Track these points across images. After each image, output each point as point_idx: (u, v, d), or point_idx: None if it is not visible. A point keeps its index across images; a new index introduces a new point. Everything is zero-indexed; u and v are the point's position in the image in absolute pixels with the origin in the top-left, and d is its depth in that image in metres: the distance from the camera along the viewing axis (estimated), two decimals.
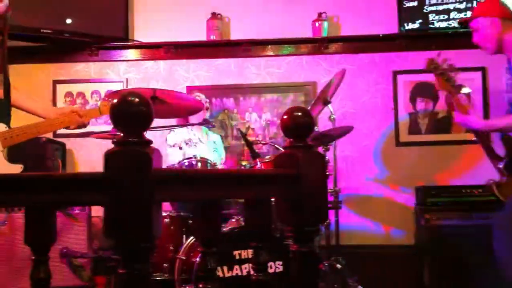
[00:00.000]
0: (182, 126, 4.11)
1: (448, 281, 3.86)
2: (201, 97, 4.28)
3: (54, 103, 4.80)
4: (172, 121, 4.21)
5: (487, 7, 3.11)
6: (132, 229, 1.05)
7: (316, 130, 4.19)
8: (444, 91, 3.20)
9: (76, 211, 3.74)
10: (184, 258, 3.20)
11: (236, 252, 3.11)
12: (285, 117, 1.43)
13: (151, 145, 1.13)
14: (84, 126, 2.95)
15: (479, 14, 3.09)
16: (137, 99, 1.11)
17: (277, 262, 3.15)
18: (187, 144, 4.10)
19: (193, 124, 4.23)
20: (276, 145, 3.95)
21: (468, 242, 3.83)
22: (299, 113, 1.42)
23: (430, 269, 3.96)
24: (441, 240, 3.94)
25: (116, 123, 1.12)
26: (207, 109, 4.34)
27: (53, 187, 1.12)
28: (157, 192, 1.08)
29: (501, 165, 3.03)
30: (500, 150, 3.09)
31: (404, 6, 4.65)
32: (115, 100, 1.12)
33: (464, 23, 3.29)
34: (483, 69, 4.56)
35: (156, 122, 3.46)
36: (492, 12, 3.03)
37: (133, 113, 1.10)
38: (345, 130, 3.89)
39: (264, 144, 4.48)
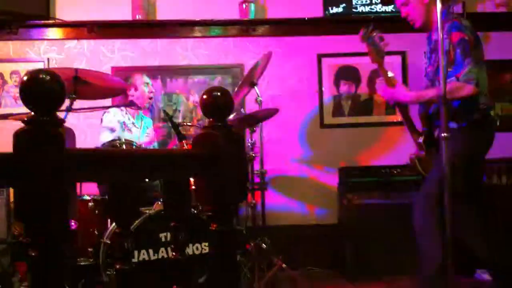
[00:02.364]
0: (108, 107, 4.02)
1: (368, 258, 4.01)
2: (149, 84, 4.24)
3: None
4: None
5: None
6: (42, 210, 1.03)
7: (243, 112, 4.22)
8: (374, 62, 3.26)
9: None
10: (109, 242, 3.15)
11: (162, 235, 3.10)
12: (204, 97, 1.43)
13: (64, 124, 1.10)
14: None
15: None
16: (48, 77, 1.08)
17: (203, 243, 3.17)
18: (121, 127, 4.03)
19: (118, 106, 4.15)
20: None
21: (388, 221, 3.99)
22: (218, 93, 1.43)
23: (352, 247, 4.10)
24: (362, 219, 4.09)
25: (26, 101, 1.09)
26: (150, 98, 4.26)
27: None
28: (70, 172, 1.06)
29: (420, 140, 3.16)
30: (418, 125, 3.23)
31: None
32: (25, 78, 1.09)
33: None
34: (403, 53, 4.74)
35: (81, 103, 3.41)
36: None
37: (43, 92, 1.06)
38: (271, 112, 3.94)
39: (190, 126, 4.46)
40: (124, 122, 4.08)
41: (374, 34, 3.21)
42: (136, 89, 4.17)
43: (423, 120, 3.22)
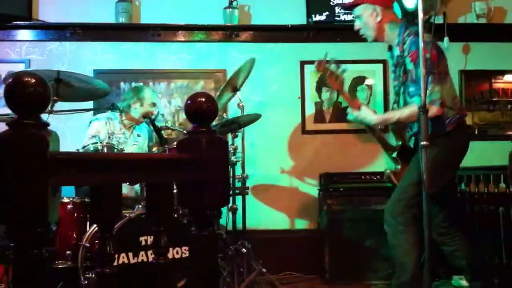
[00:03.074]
0: (89, 110, 4.00)
1: (347, 263, 4.05)
2: (155, 105, 4.10)
3: None
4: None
5: None
6: (26, 213, 1.03)
7: (225, 117, 4.23)
8: (334, 89, 3.28)
9: None
10: (88, 245, 3.14)
11: (142, 238, 3.09)
12: (188, 102, 1.45)
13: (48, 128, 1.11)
14: None
15: (362, 1, 3.13)
16: (33, 80, 1.08)
17: (183, 247, 3.17)
18: (109, 137, 3.94)
19: (99, 109, 4.13)
20: (185, 131, 3.94)
21: (366, 226, 4.03)
22: (203, 99, 1.44)
23: (331, 252, 4.13)
24: (342, 224, 4.13)
25: (10, 104, 1.09)
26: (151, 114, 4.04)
27: None
28: (53, 176, 1.06)
29: (394, 155, 3.20)
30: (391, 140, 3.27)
31: None
32: (9, 80, 1.09)
33: (348, 8, 3.38)
34: (384, 62, 4.80)
35: (62, 106, 3.39)
36: (375, 0, 3.09)
37: (27, 94, 1.07)
38: (253, 118, 3.96)
39: (172, 130, 4.46)
40: (112, 132, 4.01)
41: (330, 63, 3.23)
42: (142, 105, 4.03)
43: (396, 134, 3.26)
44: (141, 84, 4.53)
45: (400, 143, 3.21)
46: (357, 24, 3.17)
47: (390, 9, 3.11)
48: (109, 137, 3.89)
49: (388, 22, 3.08)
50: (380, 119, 3.14)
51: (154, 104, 4.09)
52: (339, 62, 3.26)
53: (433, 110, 2.81)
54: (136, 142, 4.15)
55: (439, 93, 2.85)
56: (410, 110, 2.94)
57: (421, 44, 2.49)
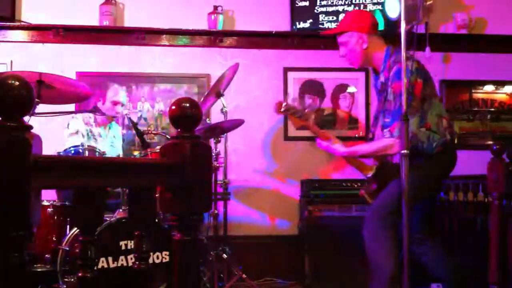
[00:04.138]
0: (70, 113, 3.97)
1: (327, 270, 4.07)
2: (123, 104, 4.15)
3: None
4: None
5: (356, 22, 3.05)
6: (6, 216, 1.02)
7: (208, 122, 4.23)
8: (302, 124, 3.26)
9: None
10: (67, 249, 3.12)
11: (122, 243, 3.08)
12: (173, 107, 1.45)
13: (31, 130, 1.10)
14: None
15: (347, 28, 3.06)
16: (17, 83, 1.08)
17: (164, 252, 3.16)
18: (87, 134, 3.96)
19: (81, 111, 4.10)
20: (167, 136, 3.95)
21: (347, 233, 4.05)
22: (187, 104, 1.44)
23: (311, 259, 4.15)
24: (322, 231, 4.15)
25: None
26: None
27: None
28: (36, 179, 1.06)
29: (369, 175, 3.20)
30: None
31: (297, 5, 4.81)
32: None
33: (329, 35, 3.32)
34: (366, 70, 4.84)
35: (44, 108, 3.36)
36: (361, 28, 3.01)
37: (11, 97, 1.06)
38: (236, 123, 3.97)
39: (155, 134, 4.45)
40: (90, 130, 4.02)
41: (289, 103, 3.22)
42: (103, 103, 4.07)
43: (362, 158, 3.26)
44: None
45: (377, 163, 3.19)
46: (343, 51, 3.12)
47: (375, 35, 3.05)
48: (88, 135, 3.91)
49: (374, 48, 3.04)
50: (348, 152, 3.10)
51: (121, 104, 4.15)
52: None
53: (398, 147, 2.66)
54: (112, 143, 4.18)
55: (412, 126, 2.74)
56: (378, 145, 2.94)
57: (403, 53, 2.53)
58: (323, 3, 4.79)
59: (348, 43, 3.06)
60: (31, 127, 1.10)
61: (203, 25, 4.76)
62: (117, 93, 4.10)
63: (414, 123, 2.81)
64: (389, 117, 2.88)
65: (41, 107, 3.31)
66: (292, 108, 3.20)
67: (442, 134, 2.93)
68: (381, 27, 2.96)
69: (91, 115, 4.04)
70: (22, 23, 4.61)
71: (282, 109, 3.16)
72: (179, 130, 1.41)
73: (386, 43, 3.05)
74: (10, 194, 1.03)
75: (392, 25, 3.40)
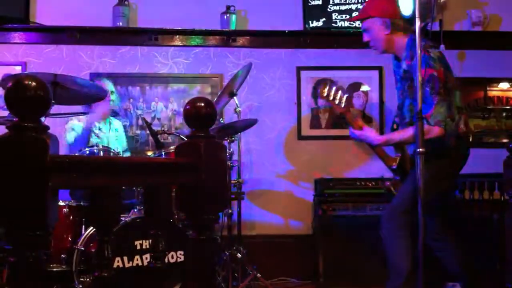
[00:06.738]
0: (85, 114, 4.00)
1: (340, 269, 4.05)
2: (113, 93, 4.19)
3: None
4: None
5: (379, 8, 3.10)
6: (25, 216, 1.03)
7: (222, 122, 4.24)
8: (339, 112, 3.26)
9: None
10: (82, 248, 3.13)
11: (137, 242, 3.08)
12: (187, 107, 1.45)
13: (48, 131, 1.11)
14: None
15: (371, 14, 3.11)
16: (34, 83, 1.09)
17: (178, 252, 3.17)
18: (88, 133, 3.99)
19: (72, 114, 4.11)
20: (181, 136, 3.96)
21: (361, 232, 4.04)
22: (202, 104, 1.45)
23: (324, 258, 4.14)
24: (336, 230, 4.14)
25: (11, 107, 1.09)
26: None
27: None
28: (53, 179, 1.06)
29: (394, 166, 3.19)
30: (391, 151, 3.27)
31: (309, 4, 4.79)
32: (10, 84, 1.09)
33: (355, 21, 3.36)
34: (380, 68, 4.82)
35: (58, 108, 3.39)
36: (384, 13, 3.06)
37: (29, 98, 1.07)
38: (250, 123, 3.97)
39: (169, 134, 4.46)
40: (90, 129, 4.05)
41: (333, 88, 3.22)
42: None
43: (395, 145, 3.26)
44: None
45: (399, 154, 3.20)
46: (366, 36, 3.15)
47: (399, 20, 3.03)
48: (89, 134, 3.96)
49: (398, 33, 3.06)
50: (382, 141, 3.11)
51: (112, 92, 4.17)
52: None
53: (435, 132, 2.80)
54: (116, 137, 4.24)
55: (442, 115, 2.82)
56: (411, 131, 2.94)
57: (418, 51, 2.51)
58: (336, 1, 4.77)
59: (371, 28, 3.10)
60: (48, 128, 1.11)
61: (216, 25, 4.76)
62: (105, 85, 4.11)
63: (442, 111, 2.81)
64: (424, 105, 2.84)
65: (56, 108, 3.33)
66: (335, 94, 3.20)
67: (455, 126, 2.93)
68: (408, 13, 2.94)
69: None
70: (36, 25, 4.64)
71: (325, 94, 3.18)
72: (193, 129, 1.41)
73: (410, 30, 3.01)
74: (28, 194, 1.03)
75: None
